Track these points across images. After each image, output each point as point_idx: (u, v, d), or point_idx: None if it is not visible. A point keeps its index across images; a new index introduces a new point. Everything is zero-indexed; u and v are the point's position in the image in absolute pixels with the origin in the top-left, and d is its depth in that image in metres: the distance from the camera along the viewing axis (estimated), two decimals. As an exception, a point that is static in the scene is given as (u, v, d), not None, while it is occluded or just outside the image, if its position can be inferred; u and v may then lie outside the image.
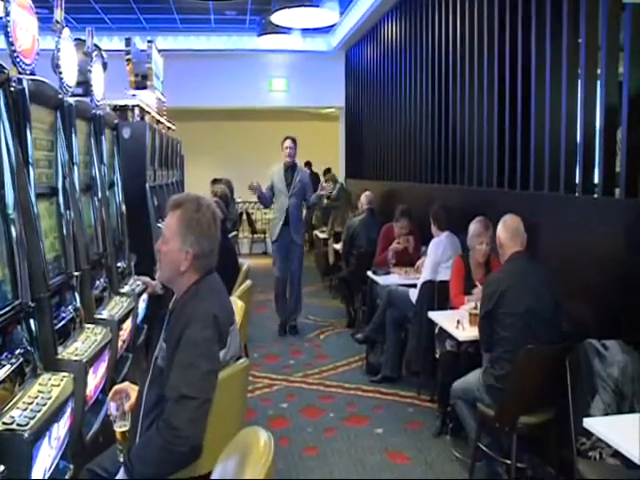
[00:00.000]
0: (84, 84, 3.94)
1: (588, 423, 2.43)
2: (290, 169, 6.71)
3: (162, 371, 2.13)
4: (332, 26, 9.22)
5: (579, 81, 3.71)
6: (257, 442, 1.51)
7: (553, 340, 3.19)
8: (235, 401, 2.32)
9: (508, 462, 3.28)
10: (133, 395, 2.31)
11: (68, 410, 2.23)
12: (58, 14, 3.40)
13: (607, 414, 2.85)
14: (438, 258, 4.78)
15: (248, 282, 3.78)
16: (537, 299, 3.23)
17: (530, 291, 3.25)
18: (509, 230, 3.43)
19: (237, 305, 2.99)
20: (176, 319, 2.15)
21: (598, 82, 3.53)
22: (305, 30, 8.75)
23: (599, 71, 3.50)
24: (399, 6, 7.59)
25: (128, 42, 6.41)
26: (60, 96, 3.09)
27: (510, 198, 4.48)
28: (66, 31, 3.40)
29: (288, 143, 6.71)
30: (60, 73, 3.33)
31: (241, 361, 2.27)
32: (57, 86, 3.19)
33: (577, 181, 3.78)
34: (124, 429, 2.07)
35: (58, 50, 3.30)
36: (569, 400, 2.95)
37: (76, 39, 3.76)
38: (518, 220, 3.46)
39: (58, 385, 2.20)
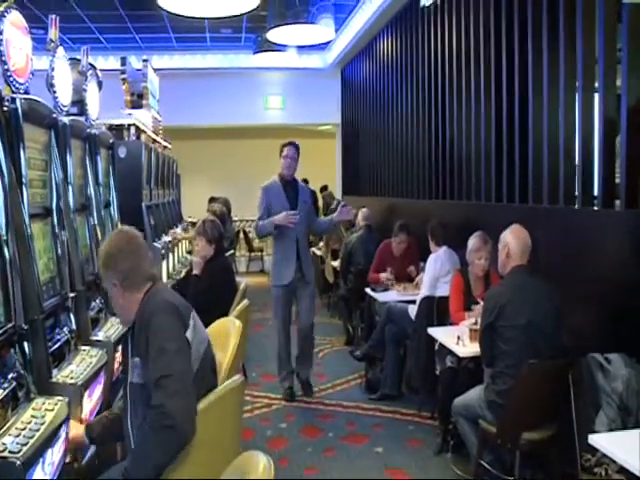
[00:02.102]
0: (79, 103, 3.92)
1: (594, 439, 2.39)
2: (290, 186, 5.17)
3: (142, 386, 2.16)
4: (328, 43, 9.26)
5: (577, 93, 3.71)
6: (256, 467, 1.47)
7: (555, 355, 3.17)
8: (229, 420, 2.30)
9: (511, 479, 3.23)
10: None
11: (63, 435, 2.18)
12: (52, 33, 3.39)
13: (612, 429, 2.81)
14: (436, 273, 4.75)
15: (245, 301, 3.74)
16: (538, 313, 3.20)
17: (531, 305, 3.22)
18: (521, 244, 3.36)
19: (235, 324, 2.95)
20: (139, 329, 2.19)
21: (596, 94, 3.53)
22: (301, 47, 8.77)
23: (597, 84, 3.50)
24: (394, 22, 7.62)
25: (124, 61, 6.43)
26: (54, 115, 3.07)
27: (509, 212, 4.46)
28: (60, 50, 3.39)
29: (289, 151, 5.15)
30: (54, 92, 3.31)
31: (235, 378, 2.24)
32: (52, 105, 3.17)
33: (576, 193, 3.76)
34: None
35: (52, 69, 3.28)
36: (572, 415, 2.91)
37: (71, 58, 3.75)
38: (526, 233, 3.42)
39: (52, 409, 2.16)
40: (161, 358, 2.06)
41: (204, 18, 7.46)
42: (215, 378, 2.41)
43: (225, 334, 2.95)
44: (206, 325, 3.26)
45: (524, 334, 3.17)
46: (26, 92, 2.77)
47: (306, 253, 5.22)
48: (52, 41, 3.37)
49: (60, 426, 2.15)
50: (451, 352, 3.88)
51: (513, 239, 3.39)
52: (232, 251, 7.32)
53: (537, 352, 3.13)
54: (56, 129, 3.09)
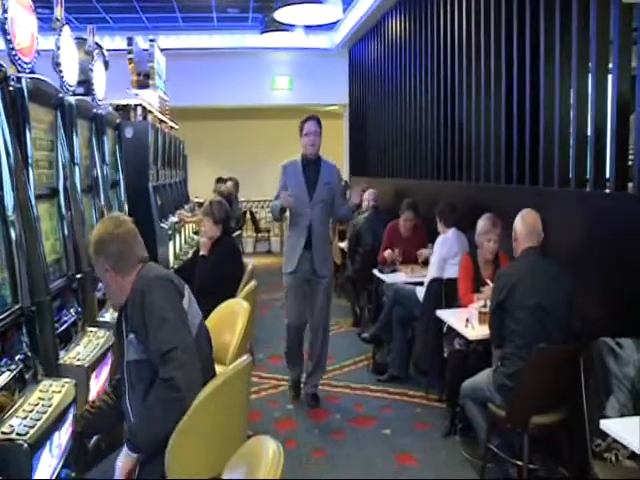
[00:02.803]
0: (85, 83, 3.89)
1: (604, 424, 2.38)
2: (312, 165, 4.58)
3: (138, 362, 2.17)
4: (335, 23, 9.15)
5: (589, 74, 3.64)
6: (266, 452, 1.46)
7: (566, 339, 3.14)
8: (237, 401, 2.30)
9: (519, 463, 3.23)
10: None
11: (70, 417, 2.17)
12: (58, 12, 3.35)
13: (623, 415, 2.77)
14: (445, 255, 4.72)
15: (253, 283, 3.72)
16: (549, 296, 3.17)
17: (541, 287, 3.19)
18: (526, 226, 3.35)
19: (242, 306, 2.94)
20: (132, 306, 2.19)
21: (610, 76, 3.46)
22: (308, 27, 8.69)
23: (610, 65, 3.43)
24: (403, 1, 7.51)
25: (130, 41, 6.39)
26: (60, 95, 3.05)
27: (519, 194, 4.41)
28: (66, 29, 3.36)
29: (311, 126, 4.54)
30: (60, 72, 3.28)
31: (243, 359, 2.23)
32: (58, 85, 3.14)
33: (588, 176, 3.71)
34: None
35: (58, 48, 3.25)
36: (583, 400, 2.89)
37: (77, 38, 3.72)
38: (537, 217, 3.39)
39: (59, 392, 2.15)
40: (164, 329, 2.08)
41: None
42: (211, 350, 2.44)
43: (232, 316, 2.95)
44: (213, 306, 3.28)
45: (533, 315, 3.15)
46: (32, 72, 2.74)
47: (320, 243, 4.53)
48: (58, 20, 3.33)
49: (68, 408, 2.15)
50: (459, 335, 3.86)
51: (520, 222, 3.38)
52: (239, 231, 7.28)
53: (547, 335, 3.10)
54: (62, 109, 3.06)
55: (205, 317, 3.24)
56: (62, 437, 2.10)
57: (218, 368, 2.53)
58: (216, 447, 2.09)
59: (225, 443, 2.05)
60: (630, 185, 3.38)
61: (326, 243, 4.67)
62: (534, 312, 3.15)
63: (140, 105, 5.61)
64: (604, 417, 2.67)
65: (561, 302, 3.19)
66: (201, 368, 2.16)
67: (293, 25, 8.15)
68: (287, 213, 4.70)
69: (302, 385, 4.83)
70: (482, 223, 4.12)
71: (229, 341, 2.85)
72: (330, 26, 9.58)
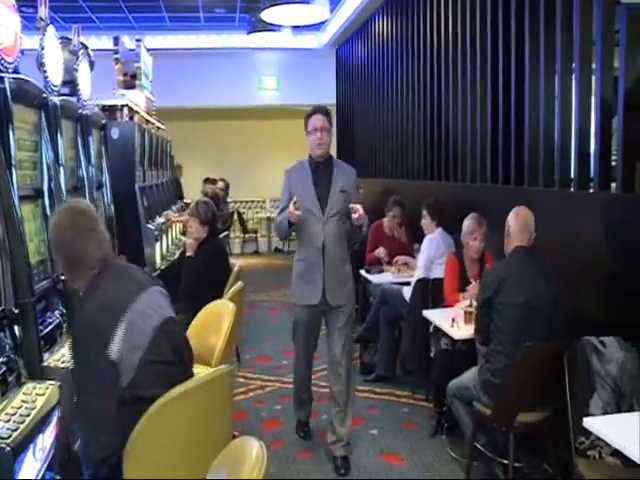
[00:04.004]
0: (70, 83, 3.87)
1: (588, 422, 2.40)
2: (323, 169, 3.72)
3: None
4: (322, 23, 9.16)
5: (574, 75, 3.66)
6: (250, 453, 1.45)
7: (550, 336, 3.14)
8: (217, 407, 2.24)
9: (505, 462, 3.24)
10: None
11: (54, 420, 2.16)
12: (42, 11, 3.33)
13: (606, 412, 2.80)
14: (431, 255, 4.74)
15: (239, 284, 3.71)
16: (536, 295, 3.18)
17: (529, 286, 3.20)
18: (520, 222, 3.35)
19: (228, 307, 2.94)
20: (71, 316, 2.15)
21: (593, 76, 3.49)
22: (295, 27, 8.69)
23: (594, 65, 3.46)
24: (390, 2, 7.53)
25: (116, 41, 6.36)
26: (45, 95, 3.03)
27: (504, 194, 4.44)
28: (51, 29, 3.33)
29: (317, 121, 3.64)
30: (45, 72, 3.26)
31: (222, 367, 2.20)
32: (42, 85, 3.12)
33: (572, 176, 3.73)
34: None
35: (42, 48, 3.23)
36: (567, 398, 2.91)
37: (62, 37, 3.69)
38: (530, 214, 3.38)
39: (43, 394, 2.14)
40: (78, 375, 2.04)
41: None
42: (185, 367, 2.25)
43: (218, 317, 2.94)
44: (199, 307, 3.27)
45: (520, 313, 3.16)
46: (15, 71, 2.72)
47: (336, 266, 3.65)
48: (42, 19, 3.31)
49: (51, 411, 2.14)
50: (446, 334, 3.87)
51: (513, 218, 3.38)
52: (226, 232, 7.27)
53: (534, 334, 3.11)
54: (46, 109, 3.05)
55: (192, 317, 3.26)
56: (46, 440, 2.09)
57: (204, 369, 2.52)
58: (197, 455, 2.05)
59: (208, 448, 2.02)
60: (613, 185, 3.40)
61: (344, 265, 3.73)
62: (521, 310, 3.16)
63: (126, 105, 5.58)
64: (588, 415, 2.68)
65: (548, 301, 3.20)
66: (166, 374, 2.08)
67: (280, 25, 8.14)
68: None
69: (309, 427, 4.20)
70: (468, 223, 4.15)
71: (215, 342, 2.84)
72: (317, 26, 9.59)
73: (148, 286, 2.22)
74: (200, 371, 2.44)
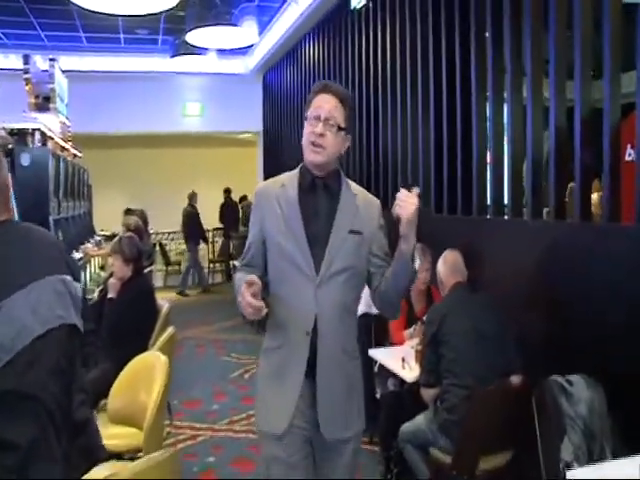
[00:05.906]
0: (-28, 104, 3.43)
1: (573, 475, 2.27)
2: (321, 188, 2.17)
3: None
4: (249, 47, 8.95)
5: (525, 103, 3.57)
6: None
7: (511, 370, 3.02)
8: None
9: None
10: None
11: None
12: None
13: (578, 457, 2.64)
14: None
15: (170, 330, 3.30)
16: (483, 320, 3.14)
17: (474, 313, 3.18)
18: (448, 265, 3.38)
19: (160, 360, 2.55)
20: None
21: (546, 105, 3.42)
22: (221, 51, 8.46)
23: (546, 94, 3.38)
24: (320, 25, 7.33)
25: (27, 60, 5.86)
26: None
27: (451, 223, 4.29)
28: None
29: (324, 102, 2.10)
30: (-61, 90, 2.83)
31: (161, 452, 1.78)
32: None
33: (525, 203, 3.62)
34: None
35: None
36: (532, 440, 2.76)
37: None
38: (457, 255, 3.42)
39: None
40: None
41: (118, 16, 6.94)
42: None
43: (149, 371, 2.56)
44: (125, 357, 2.88)
45: (470, 339, 3.07)
46: None
47: (337, 364, 2.11)
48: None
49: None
50: (393, 375, 3.65)
51: (441, 263, 3.42)
52: (151, 267, 6.80)
53: (488, 362, 3.01)
54: (-59, 132, 2.62)
55: (116, 368, 2.86)
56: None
57: (133, 431, 2.14)
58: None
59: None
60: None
61: (351, 360, 2.19)
62: (470, 336, 3.07)
63: (39, 130, 5.12)
64: (559, 460, 2.58)
65: (496, 330, 3.11)
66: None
67: (206, 49, 7.92)
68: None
69: None
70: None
71: (146, 401, 2.45)
72: (244, 50, 9.37)
73: None
74: (130, 433, 2.06)
